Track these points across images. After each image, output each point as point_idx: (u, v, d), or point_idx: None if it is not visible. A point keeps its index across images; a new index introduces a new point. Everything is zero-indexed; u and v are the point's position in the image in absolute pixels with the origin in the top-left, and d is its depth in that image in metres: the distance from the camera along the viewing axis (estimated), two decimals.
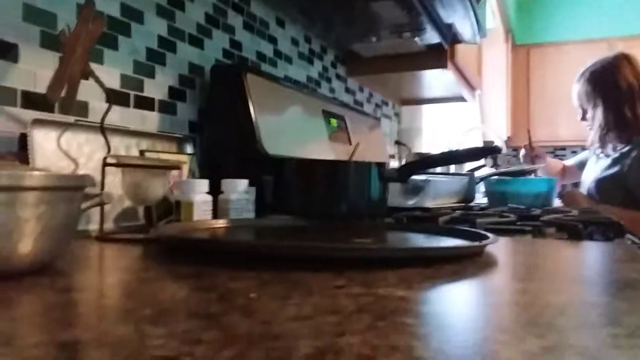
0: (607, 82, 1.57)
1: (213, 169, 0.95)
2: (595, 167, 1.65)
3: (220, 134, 0.98)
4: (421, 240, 0.61)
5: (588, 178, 1.69)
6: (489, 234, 0.59)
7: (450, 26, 1.55)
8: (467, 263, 0.48)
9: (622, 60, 1.60)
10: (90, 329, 0.27)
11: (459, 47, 1.76)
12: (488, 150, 1.04)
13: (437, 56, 1.66)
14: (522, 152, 2.02)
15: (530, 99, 4.72)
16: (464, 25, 1.57)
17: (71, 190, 0.44)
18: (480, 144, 3.42)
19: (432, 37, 1.53)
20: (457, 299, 0.34)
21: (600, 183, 1.55)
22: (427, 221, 0.86)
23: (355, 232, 0.72)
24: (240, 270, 0.43)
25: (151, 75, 0.91)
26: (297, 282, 0.39)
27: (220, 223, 0.75)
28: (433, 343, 0.24)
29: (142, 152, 0.84)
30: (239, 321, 0.28)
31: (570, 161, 2.01)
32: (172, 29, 0.97)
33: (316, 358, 0.22)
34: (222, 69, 1.01)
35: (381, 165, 0.83)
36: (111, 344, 0.24)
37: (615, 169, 1.50)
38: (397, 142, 2.16)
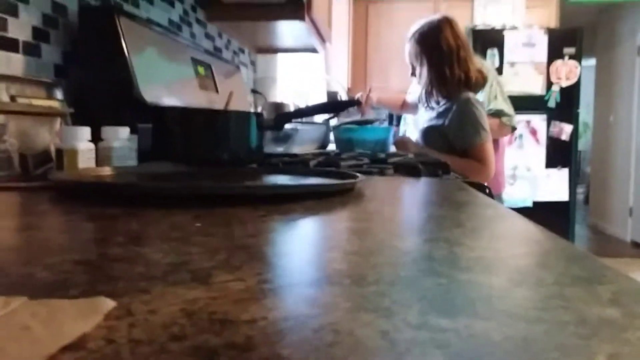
0: (431, 43, 1.81)
1: (85, 116, 0.93)
2: (423, 117, 1.93)
3: (92, 80, 0.96)
4: (306, 180, 0.73)
5: (417, 126, 1.97)
6: (357, 174, 0.73)
7: None
8: (346, 196, 0.61)
9: (445, 23, 1.84)
10: (88, 253, 0.33)
11: (314, 1, 1.87)
12: (350, 103, 1.19)
13: (296, 8, 1.75)
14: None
15: (367, 51, 5.09)
16: None
17: None
18: (325, 94, 3.65)
19: None
20: (357, 216, 0.47)
21: (426, 133, 1.83)
22: (299, 165, 0.99)
23: (242, 176, 0.81)
24: (165, 210, 0.50)
25: (14, 13, 0.85)
26: (225, 215, 0.47)
27: (108, 170, 0.77)
28: (363, 238, 0.36)
29: (12, 98, 0.80)
30: (207, 240, 0.36)
31: (410, 97, 2.26)
32: None
33: (284, 256, 0.32)
34: (92, 10, 0.97)
35: (259, 115, 0.92)
36: (123, 261, 0.31)
37: (439, 122, 1.77)
38: (254, 91, 2.23)
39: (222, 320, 0.21)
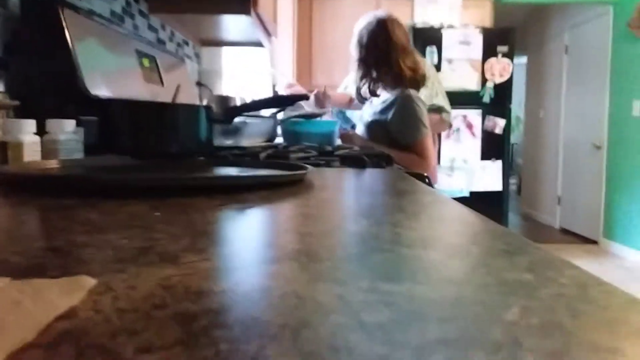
0: (372, 40, 1.88)
1: (29, 109, 0.91)
2: (368, 111, 1.99)
3: (36, 72, 0.93)
4: (257, 172, 0.75)
5: (362, 120, 2.03)
6: (306, 165, 0.76)
7: None
8: (296, 186, 0.64)
9: (387, 22, 1.91)
10: (54, 240, 0.34)
11: None
12: (298, 97, 1.22)
13: (241, 3, 1.75)
14: (312, 98, 2.27)
15: (312, 46, 5.13)
16: None
17: None
18: (270, 88, 3.66)
19: None
20: (308, 204, 0.50)
21: (370, 127, 1.90)
22: (250, 157, 1.01)
23: (192, 169, 0.82)
24: (120, 201, 0.51)
25: None
26: (181, 205, 0.49)
27: (56, 163, 0.76)
28: (315, 222, 0.39)
29: None
30: (168, 228, 0.38)
31: (349, 91, 2.32)
32: None
33: (244, 239, 0.35)
34: (35, 1, 0.95)
35: (209, 108, 0.93)
36: (91, 247, 0.33)
37: (382, 117, 1.84)
38: (199, 84, 2.21)
39: (196, 292, 0.24)
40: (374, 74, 1.83)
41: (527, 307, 0.23)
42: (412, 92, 1.78)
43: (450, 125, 2.46)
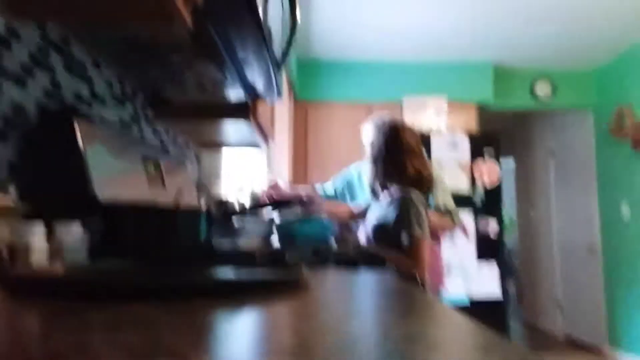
0: (383, 143, 2.00)
1: (38, 212, 0.96)
2: (373, 213, 2.05)
3: (46, 177, 1.00)
4: (255, 273, 0.79)
5: (369, 223, 2.07)
6: (301, 266, 0.80)
7: (254, 86, 1.80)
8: (293, 287, 0.67)
9: (397, 127, 2.04)
10: (74, 338, 0.37)
11: (259, 103, 2.03)
12: (291, 201, 1.28)
13: (241, 110, 1.89)
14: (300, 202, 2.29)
15: (307, 148, 5.35)
16: (266, 87, 1.84)
17: None
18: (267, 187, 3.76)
19: (238, 93, 1.76)
20: (303, 304, 0.53)
21: (375, 229, 1.95)
22: (248, 257, 1.04)
23: (192, 270, 0.86)
24: (126, 302, 0.53)
25: None
26: (183, 305, 0.52)
27: (61, 267, 0.80)
28: (310, 320, 0.42)
29: None
30: (175, 326, 0.41)
31: (357, 208, 2.36)
32: None
33: (245, 336, 0.38)
34: (52, 113, 1.03)
35: (208, 211, 0.99)
36: (106, 345, 0.36)
37: (383, 219, 1.91)
38: (198, 185, 2.29)
39: None
40: (383, 173, 1.94)
41: None
42: (413, 193, 1.84)
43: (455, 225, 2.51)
